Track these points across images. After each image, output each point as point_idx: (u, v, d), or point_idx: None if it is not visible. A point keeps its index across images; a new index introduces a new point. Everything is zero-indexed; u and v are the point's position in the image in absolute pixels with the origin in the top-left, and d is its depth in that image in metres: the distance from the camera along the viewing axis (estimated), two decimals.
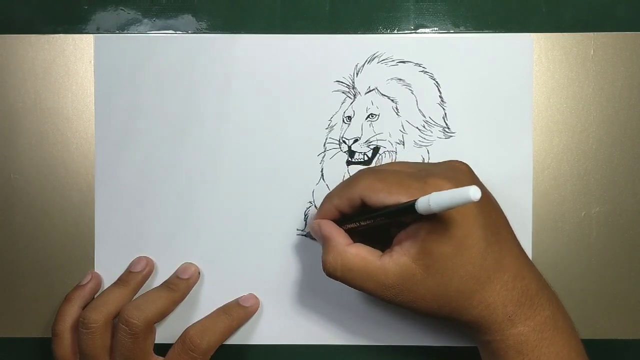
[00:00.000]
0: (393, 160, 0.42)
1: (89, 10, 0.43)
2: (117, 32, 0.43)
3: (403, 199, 0.33)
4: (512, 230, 0.36)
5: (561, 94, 0.42)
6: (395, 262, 0.33)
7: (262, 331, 0.42)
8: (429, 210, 0.30)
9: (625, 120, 0.42)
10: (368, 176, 0.35)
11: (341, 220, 0.37)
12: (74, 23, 0.43)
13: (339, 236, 0.36)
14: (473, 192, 0.28)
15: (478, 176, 0.37)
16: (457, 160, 0.37)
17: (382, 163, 0.42)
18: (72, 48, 0.43)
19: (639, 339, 0.42)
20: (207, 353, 0.39)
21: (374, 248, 0.35)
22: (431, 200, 0.29)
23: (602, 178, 0.42)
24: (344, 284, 0.35)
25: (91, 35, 0.43)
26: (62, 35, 0.43)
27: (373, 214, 0.34)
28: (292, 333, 0.42)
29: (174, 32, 0.43)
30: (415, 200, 0.30)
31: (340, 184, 0.38)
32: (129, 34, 0.43)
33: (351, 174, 0.42)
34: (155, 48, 0.42)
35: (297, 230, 0.42)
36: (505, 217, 0.36)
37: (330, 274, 0.35)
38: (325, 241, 0.36)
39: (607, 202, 0.42)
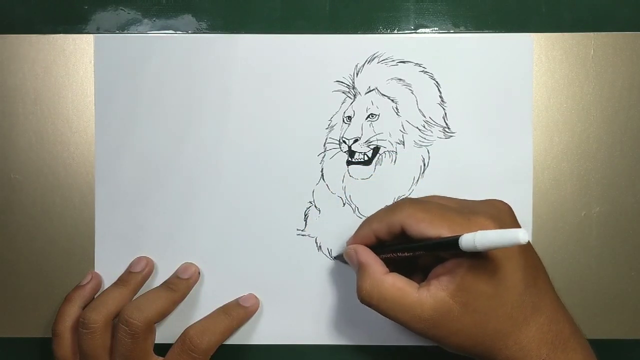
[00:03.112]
0: (393, 161, 0.42)
1: (89, 10, 0.43)
2: (117, 32, 0.43)
3: (445, 232, 0.33)
4: (547, 273, 0.36)
5: (561, 94, 0.42)
6: (432, 296, 0.33)
7: (262, 331, 0.42)
8: (473, 249, 0.30)
9: (625, 120, 0.42)
10: (411, 205, 0.35)
11: (376, 247, 0.37)
12: (74, 23, 0.43)
13: (375, 264, 0.36)
14: (522, 235, 0.28)
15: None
16: (498, 200, 0.37)
17: (383, 161, 0.42)
18: (72, 48, 0.43)
19: (639, 339, 0.42)
20: (207, 353, 0.39)
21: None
22: (477, 239, 0.29)
23: (602, 178, 0.42)
24: (373, 310, 0.35)
25: (91, 35, 0.43)
26: (62, 35, 0.43)
27: (413, 245, 0.34)
28: (292, 333, 0.42)
29: (174, 32, 0.43)
30: (459, 236, 0.30)
31: (381, 210, 0.38)
32: (129, 34, 0.43)
33: (351, 174, 0.42)
34: (155, 48, 0.42)
35: (297, 230, 0.42)
36: (540, 260, 0.36)
37: (365, 301, 0.35)
38: (361, 267, 0.36)
39: (607, 202, 0.42)
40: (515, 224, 0.36)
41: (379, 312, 0.35)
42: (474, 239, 0.29)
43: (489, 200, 0.37)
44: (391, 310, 0.34)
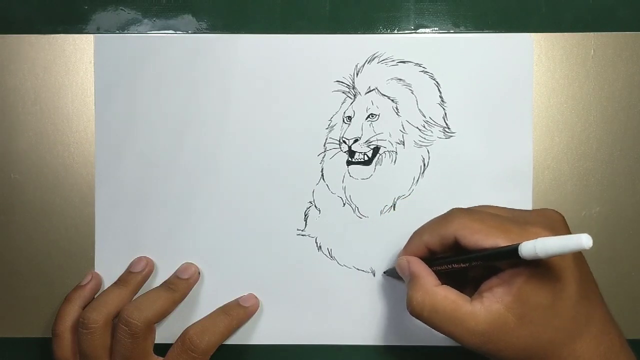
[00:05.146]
0: (393, 161, 0.42)
1: (89, 10, 0.43)
2: (117, 32, 0.43)
3: (501, 242, 0.32)
4: (597, 285, 0.35)
5: (561, 94, 0.42)
6: (487, 309, 0.32)
7: (262, 331, 0.42)
8: (534, 256, 0.29)
9: (625, 120, 0.42)
10: (464, 216, 0.35)
11: (427, 259, 0.36)
12: (74, 23, 0.43)
13: (428, 275, 0.35)
14: (585, 240, 0.27)
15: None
16: (550, 210, 0.36)
17: (383, 161, 0.42)
18: (72, 48, 0.43)
19: (639, 338, 0.42)
20: (206, 353, 0.39)
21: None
22: (537, 246, 0.29)
23: (602, 178, 0.42)
24: (423, 322, 0.34)
25: (91, 35, 0.43)
26: (62, 35, 0.43)
27: (469, 256, 0.33)
28: (292, 333, 0.42)
29: (174, 32, 0.43)
30: (519, 244, 0.30)
31: (431, 221, 0.37)
32: (129, 34, 0.43)
33: (351, 174, 0.42)
34: (155, 48, 0.42)
35: (297, 230, 0.42)
36: (591, 271, 0.36)
37: (416, 313, 0.34)
38: (413, 278, 0.35)
39: (607, 202, 0.42)
40: (570, 233, 0.35)
41: (429, 325, 0.34)
42: (534, 246, 0.29)
43: (541, 210, 0.37)
44: (443, 323, 0.33)
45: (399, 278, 0.39)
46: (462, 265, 0.34)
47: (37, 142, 0.43)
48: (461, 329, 0.33)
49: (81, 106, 0.43)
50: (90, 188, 0.43)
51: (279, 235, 0.42)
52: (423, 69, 0.42)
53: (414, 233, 0.38)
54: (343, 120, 0.42)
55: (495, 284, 0.33)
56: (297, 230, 0.42)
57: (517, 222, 0.33)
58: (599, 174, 0.42)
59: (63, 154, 0.43)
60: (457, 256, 0.34)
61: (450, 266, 0.35)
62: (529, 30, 0.42)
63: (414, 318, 0.34)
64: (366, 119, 0.42)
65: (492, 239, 0.33)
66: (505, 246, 0.32)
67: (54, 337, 0.40)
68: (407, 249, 0.38)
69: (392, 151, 0.42)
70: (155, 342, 0.40)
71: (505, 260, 0.32)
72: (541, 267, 0.32)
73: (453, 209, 0.36)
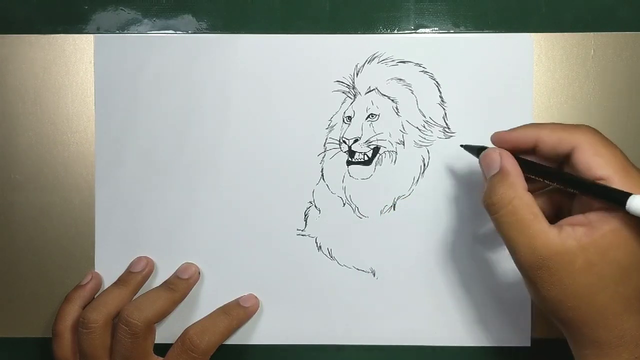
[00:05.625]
0: (393, 161, 0.42)
1: (89, 10, 0.43)
2: (117, 32, 0.43)
3: (616, 180, 0.30)
4: None
5: (561, 94, 0.42)
6: (561, 239, 0.30)
7: (262, 331, 0.42)
8: (638, 214, 0.27)
9: (625, 120, 0.42)
10: (596, 134, 0.32)
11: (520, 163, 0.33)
12: (74, 23, 0.43)
13: (519, 176, 0.32)
14: None
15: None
16: None
17: (383, 161, 0.42)
18: (72, 48, 0.43)
19: None
20: (206, 353, 0.39)
21: None
22: None
23: None
24: (491, 218, 0.32)
25: (91, 35, 0.43)
26: (62, 35, 0.43)
27: (572, 177, 0.31)
28: (292, 333, 0.42)
29: (174, 32, 0.43)
30: (631, 194, 0.28)
31: (554, 123, 0.34)
32: (129, 34, 0.43)
33: (351, 174, 0.42)
34: (155, 48, 0.42)
35: (297, 230, 0.42)
36: None
37: (494, 208, 0.32)
38: (503, 173, 0.32)
39: None
40: None
41: (497, 223, 0.32)
42: None
43: None
44: (512, 228, 0.31)
45: (475, 155, 0.36)
46: (556, 184, 0.32)
47: (37, 142, 0.43)
48: (526, 242, 0.31)
49: (81, 106, 0.43)
50: (90, 188, 0.43)
51: (279, 235, 0.42)
52: (423, 69, 0.42)
53: (529, 124, 0.34)
54: (343, 120, 0.42)
55: (579, 222, 0.31)
56: (297, 230, 0.42)
57: None
58: None
59: (63, 154, 0.43)
60: (559, 172, 0.32)
61: (541, 179, 0.32)
62: (529, 30, 0.42)
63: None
64: (366, 119, 0.42)
65: (609, 172, 0.30)
66: (615, 188, 0.29)
67: (54, 336, 0.40)
68: (511, 134, 0.34)
69: (392, 151, 0.42)
70: (155, 342, 0.40)
71: (606, 201, 0.30)
72: (636, 227, 0.30)
73: (584, 125, 0.33)
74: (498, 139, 0.35)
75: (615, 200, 0.29)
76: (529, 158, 0.34)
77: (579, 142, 0.31)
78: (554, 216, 0.34)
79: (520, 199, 0.31)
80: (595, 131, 0.32)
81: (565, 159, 0.32)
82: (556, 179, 0.32)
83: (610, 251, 0.30)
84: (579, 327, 0.31)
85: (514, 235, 0.31)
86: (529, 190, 0.32)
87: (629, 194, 0.28)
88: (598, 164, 0.30)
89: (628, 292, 0.30)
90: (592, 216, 0.30)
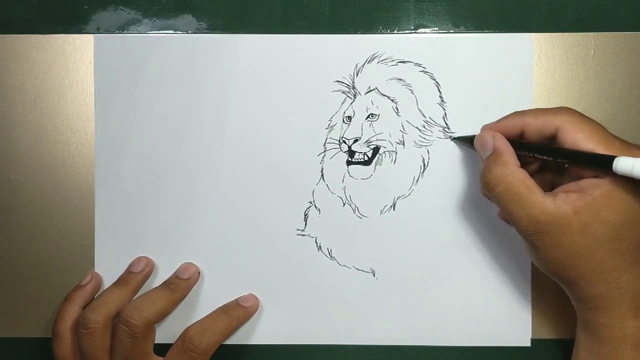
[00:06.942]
0: (393, 161, 0.42)
1: (89, 10, 0.43)
2: (117, 32, 0.43)
3: (601, 150, 0.32)
4: None
5: (561, 94, 0.42)
6: (556, 205, 0.33)
7: (262, 331, 0.42)
8: (628, 173, 0.30)
9: (625, 120, 0.42)
10: (575, 113, 0.35)
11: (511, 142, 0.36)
12: (74, 23, 0.43)
13: (511, 154, 0.35)
14: None
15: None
16: None
17: (383, 161, 0.42)
18: (72, 48, 0.43)
19: None
20: (206, 353, 0.39)
21: None
22: (636, 165, 0.29)
23: None
24: (490, 197, 0.35)
25: (91, 35, 0.43)
26: (62, 35, 0.43)
27: (561, 150, 0.34)
28: (292, 333, 0.42)
29: (174, 32, 0.43)
30: (616, 156, 0.30)
31: (536, 108, 0.37)
32: (129, 34, 0.43)
33: (351, 174, 0.42)
34: (155, 48, 0.42)
35: (297, 230, 0.42)
36: None
37: (490, 186, 0.35)
38: (496, 153, 0.35)
39: None
40: None
41: (496, 200, 0.35)
42: (633, 163, 0.29)
43: None
44: (509, 202, 0.34)
45: (469, 145, 0.40)
46: (547, 157, 0.34)
47: (37, 142, 0.43)
48: (524, 212, 0.33)
49: (81, 106, 0.43)
50: (90, 188, 0.43)
51: (279, 235, 0.42)
52: (423, 69, 0.42)
53: (513, 112, 0.37)
54: (343, 120, 0.42)
55: (572, 189, 0.33)
56: (297, 230, 0.42)
57: (622, 142, 0.33)
58: None
59: (63, 154, 0.43)
60: (550, 146, 0.35)
61: (533, 155, 0.35)
62: (529, 30, 0.42)
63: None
64: (366, 119, 0.42)
65: (593, 144, 0.33)
66: (602, 154, 0.32)
67: (54, 336, 0.40)
68: (499, 124, 0.38)
69: (392, 151, 0.42)
70: (155, 342, 0.40)
71: (595, 167, 0.32)
72: (624, 188, 0.32)
73: (563, 107, 0.36)
74: (487, 130, 0.38)
75: (603, 164, 0.31)
76: None
77: (561, 123, 0.34)
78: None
79: (513, 175, 0.34)
80: (574, 111, 0.35)
81: (550, 140, 0.35)
82: (547, 153, 0.35)
83: (603, 212, 0.32)
84: (579, 283, 0.34)
85: (513, 208, 0.34)
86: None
87: (614, 157, 0.31)
88: (581, 139, 0.33)
89: (622, 248, 0.33)
90: (583, 183, 0.33)
